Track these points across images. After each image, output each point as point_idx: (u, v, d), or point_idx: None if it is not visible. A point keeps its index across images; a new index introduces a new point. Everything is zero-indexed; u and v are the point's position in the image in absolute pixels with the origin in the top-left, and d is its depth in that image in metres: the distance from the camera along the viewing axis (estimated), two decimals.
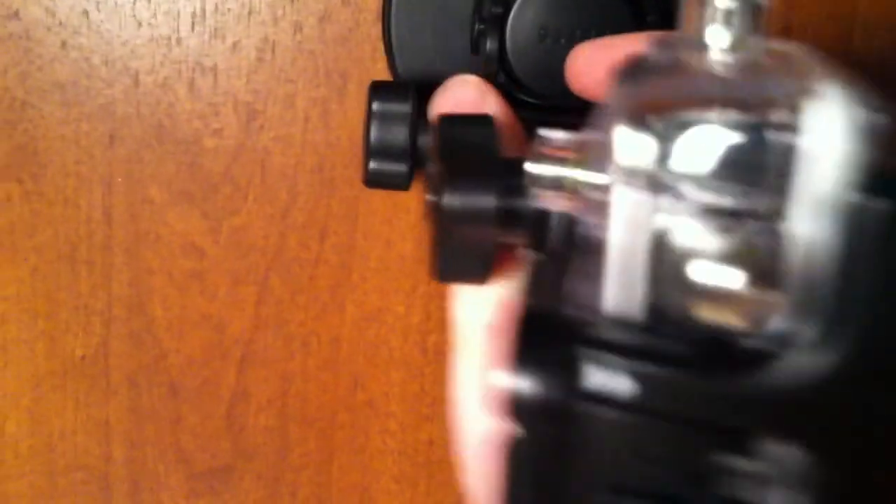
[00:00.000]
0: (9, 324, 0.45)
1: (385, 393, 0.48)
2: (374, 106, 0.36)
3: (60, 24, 0.41)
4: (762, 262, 0.16)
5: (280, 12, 0.42)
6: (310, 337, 0.47)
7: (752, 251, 0.16)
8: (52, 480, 0.48)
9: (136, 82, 0.42)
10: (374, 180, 0.37)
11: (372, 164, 0.36)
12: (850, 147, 0.16)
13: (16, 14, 0.41)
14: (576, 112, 0.37)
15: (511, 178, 0.25)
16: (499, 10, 0.39)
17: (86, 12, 0.41)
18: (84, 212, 0.44)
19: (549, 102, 0.39)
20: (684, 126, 0.17)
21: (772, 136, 0.16)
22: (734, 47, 0.18)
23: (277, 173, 0.44)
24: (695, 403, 0.17)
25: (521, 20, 0.39)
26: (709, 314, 0.17)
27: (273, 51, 0.43)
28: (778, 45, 0.20)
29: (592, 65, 0.33)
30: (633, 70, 0.19)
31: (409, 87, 0.37)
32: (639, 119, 0.17)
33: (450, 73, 0.41)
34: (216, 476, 0.48)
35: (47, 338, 0.45)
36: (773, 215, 0.16)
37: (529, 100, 0.39)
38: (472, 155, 0.26)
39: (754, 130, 0.16)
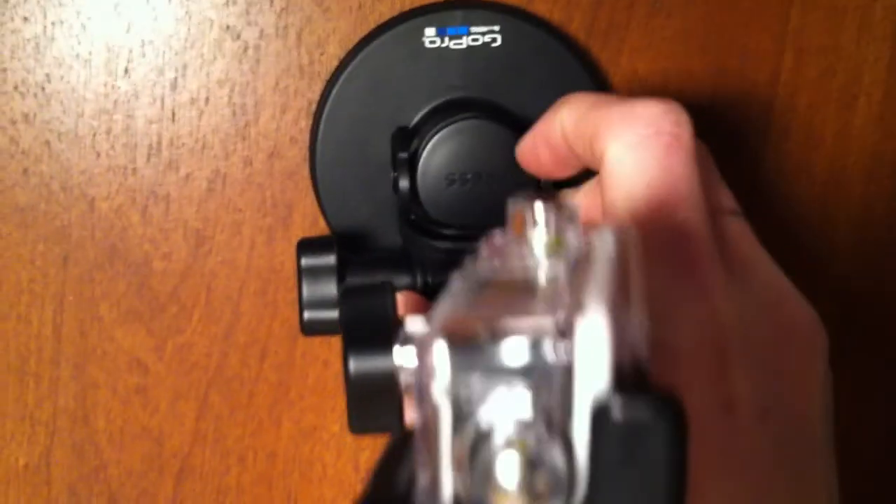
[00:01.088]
0: None
1: None
2: (302, 262, 0.40)
3: (23, 152, 0.44)
4: (548, 462, 0.19)
5: (231, 148, 0.45)
6: (246, 452, 0.49)
7: (540, 452, 0.19)
8: None
9: (92, 208, 0.45)
10: (309, 329, 0.40)
11: (306, 315, 0.40)
12: (608, 357, 0.19)
13: None
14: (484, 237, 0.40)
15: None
16: (404, 155, 0.43)
17: (48, 142, 0.44)
18: (35, 327, 0.46)
19: (459, 233, 0.42)
20: (485, 342, 0.19)
21: (552, 348, 0.19)
22: (551, 246, 0.22)
23: (222, 295, 0.47)
24: None
25: (429, 166, 0.43)
26: None
27: (224, 182, 0.46)
28: (594, 233, 0.23)
29: (528, 151, 0.37)
30: (460, 282, 0.22)
31: (332, 241, 0.41)
32: (446, 336, 0.20)
33: (373, 214, 0.45)
34: None
35: None
36: (564, 418, 0.19)
37: (443, 231, 0.43)
38: (369, 321, 0.29)
39: (539, 342, 0.19)
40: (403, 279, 0.43)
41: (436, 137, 0.43)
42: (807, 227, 0.50)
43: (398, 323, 0.30)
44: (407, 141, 0.43)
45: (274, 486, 0.50)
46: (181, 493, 0.49)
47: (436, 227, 0.43)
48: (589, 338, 0.19)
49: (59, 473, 0.48)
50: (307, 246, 0.42)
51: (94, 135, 0.44)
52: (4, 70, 0.43)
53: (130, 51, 0.44)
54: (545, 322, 0.19)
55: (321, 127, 0.44)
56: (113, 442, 0.48)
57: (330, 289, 0.41)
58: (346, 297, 0.36)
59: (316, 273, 0.41)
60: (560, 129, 0.34)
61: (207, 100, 0.45)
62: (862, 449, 0.53)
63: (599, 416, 0.19)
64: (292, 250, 0.47)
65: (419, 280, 0.43)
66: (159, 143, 0.45)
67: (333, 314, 0.40)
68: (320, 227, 0.46)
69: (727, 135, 0.48)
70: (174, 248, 0.46)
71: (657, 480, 0.18)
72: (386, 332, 0.30)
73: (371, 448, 0.50)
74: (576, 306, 0.19)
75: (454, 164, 0.43)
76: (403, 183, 0.43)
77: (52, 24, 0.43)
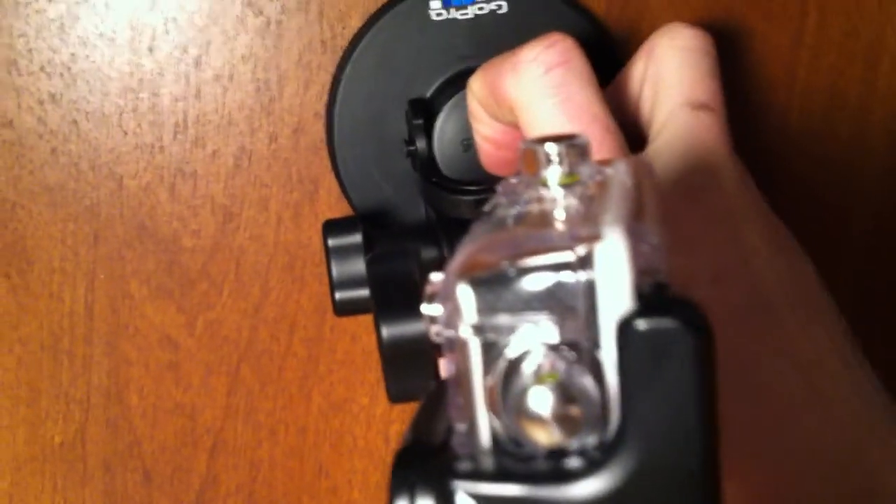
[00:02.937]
0: None
1: (348, 480, 0.51)
2: (329, 242, 0.40)
3: (51, 132, 0.44)
4: (579, 387, 0.19)
5: (257, 124, 0.46)
6: (278, 426, 0.50)
7: (572, 378, 0.19)
8: None
9: (121, 186, 0.45)
10: (342, 310, 0.40)
11: (337, 296, 0.40)
12: (628, 278, 0.19)
13: (10, 123, 0.44)
14: None
15: None
16: (419, 120, 0.43)
17: (75, 122, 0.44)
18: (67, 306, 0.47)
19: (485, 188, 0.42)
20: (507, 275, 0.20)
21: (573, 276, 0.19)
22: (565, 181, 0.22)
23: (251, 271, 0.47)
24: None
25: (444, 134, 0.43)
26: (538, 436, 0.20)
27: (250, 158, 0.46)
28: (607, 166, 0.23)
29: (490, 158, 0.38)
30: (479, 227, 0.22)
31: (356, 219, 0.41)
32: (468, 276, 0.20)
33: (395, 191, 0.45)
34: None
35: (28, 424, 0.48)
36: (591, 344, 0.20)
37: (468, 187, 0.43)
38: (397, 287, 0.29)
39: (561, 272, 0.19)
40: (430, 251, 0.43)
41: (449, 106, 0.43)
42: (831, 186, 0.50)
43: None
44: (421, 112, 0.44)
45: (305, 459, 0.50)
46: (214, 467, 0.50)
47: (458, 185, 0.43)
48: (608, 260, 0.19)
49: (94, 450, 0.49)
50: (333, 226, 0.42)
51: (121, 113, 0.45)
52: (30, 50, 0.43)
53: (154, 28, 0.44)
54: (564, 251, 0.20)
55: (336, 107, 0.45)
56: (146, 418, 0.48)
57: (359, 267, 0.42)
58: (372, 266, 0.37)
59: (343, 252, 0.42)
60: (478, 111, 0.36)
61: (231, 76, 0.45)
62: None
63: (625, 331, 0.19)
64: (319, 225, 0.47)
65: (446, 250, 0.43)
66: (185, 120, 0.45)
67: (365, 293, 0.41)
68: (345, 202, 0.47)
69: (752, 97, 0.48)
70: (202, 224, 0.46)
71: (688, 389, 0.19)
72: (414, 296, 0.30)
73: (400, 420, 0.50)
74: (593, 232, 0.20)
75: (469, 130, 0.43)
76: (421, 145, 0.43)
77: (76, 3, 0.43)
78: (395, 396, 0.31)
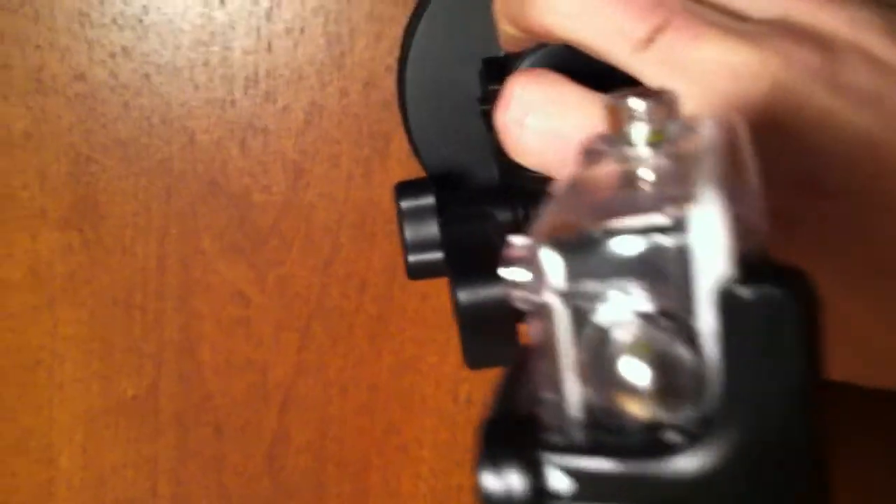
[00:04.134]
0: (66, 363, 0.48)
1: (418, 439, 0.50)
2: (402, 205, 0.39)
3: (123, 85, 0.44)
4: (675, 358, 0.18)
5: (327, 78, 0.45)
6: (348, 383, 0.49)
7: (667, 348, 0.18)
8: None
9: (192, 141, 0.45)
10: (415, 272, 0.40)
11: (411, 259, 0.39)
12: (726, 243, 0.18)
13: (82, 76, 0.44)
14: None
15: None
16: (495, 87, 0.41)
17: (147, 75, 0.44)
18: (140, 260, 0.47)
19: None
20: (595, 239, 0.19)
21: (666, 239, 0.18)
22: (652, 139, 0.21)
23: (321, 228, 0.47)
24: (624, 495, 0.19)
25: None
26: (633, 409, 0.19)
27: (320, 114, 0.45)
28: (696, 123, 0.22)
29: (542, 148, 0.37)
30: (561, 189, 0.21)
31: (429, 182, 0.40)
32: (553, 240, 0.19)
33: (467, 152, 0.44)
34: None
35: (101, 378, 0.48)
36: (687, 313, 0.18)
37: None
38: (473, 251, 0.28)
39: (652, 235, 0.18)
40: (503, 213, 0.42)
41: (525, 64, 0.42)
42: None
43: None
44: (496, 72, 0.42)
45: (375, 417, 0.50)
46: (285, 422, 0.50)
47: None
48: (704, 223, 0.18)
49: (167, 404, 0.49)
50: (405, 188, 0.41)
51: (192, 67, 0.44)
52: (102, 3, 0.43)
53: None
54: (656, 213, 0.19)
55: (408, 62, 0.44)
56: (218, 373, 0.49)
57: (432, 229, 0.41)
58: (447, 228, 0.36)
59: (416, 215, 0.41)
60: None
61: (303, 29, 0.44)
62: None
63: (726, 299, 0.18)
64: (390, 182, 0.46)
65: (520, 213, 0.42)
66: (256, 74, 0.45)
67: (438, 255, 0.40)
68: (416, 159, 0.46)
69: None
70: (273, 180, 0.46)
71: (796, 360, 0.18)
72: (491, 260, 0.29)
73: (470, 380, 0.50)
74: (687, 193, 0.18)
75: None
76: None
77: None
78: (474, 362, 0.31)
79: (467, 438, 0.50)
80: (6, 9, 0.43)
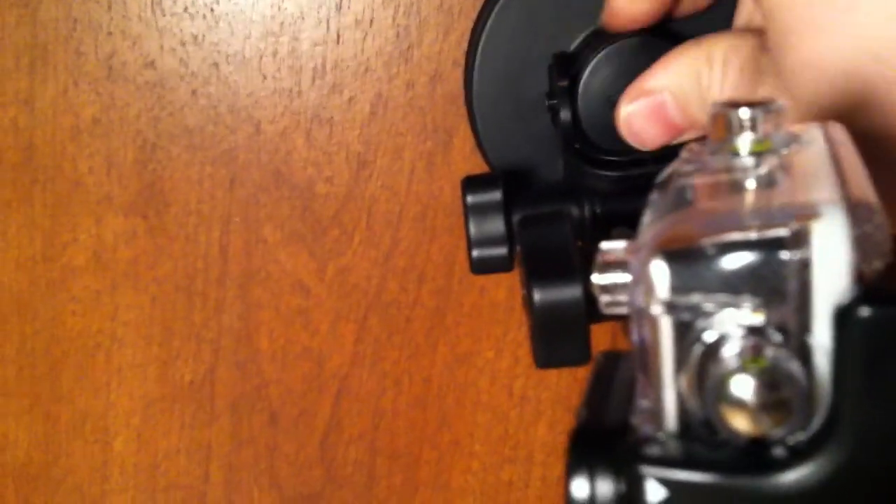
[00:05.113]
0: (126, 347, 0.48)
1: (470, 433, 0.50)
2: (469, 199, 0.39)
3: (192, 74, 0.44)
4: (788, 374, 0.18)
5: (394, 71, 0.45)
6: (402, 375, 0.50)
7: (777, 363, 0.18)
8: (152, 497, 0.51)
9: (258, 130, 0.45)
10: (479, 267, 0.40)
11: (475, 253, 0.39)
12: (849, 260, 0.18)
13: (152, 63, 0.44)
14: (652, 162, 0.39)
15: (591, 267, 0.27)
16: (565, 82, 0.41)
17: (216, 64, 0.44)
18: (202, 248, 0.47)
19: (627, 158, 0.41)
20: (708, 253, 0.19)
21: (786, 255, 0.18)
22: (758, 149, 0.21)
23: (382, 220, 0.47)
24: None
25: (589, 90, 0.42)
26: (740, 424, 0.19)
27: (385, 106, 0.45)
28: (801, 132, 0.22)
29: (634, 120, 0.36)
30: (663, 196, 0.21)
31: (497, 177, 0.40)
32: (665, 251, 0.19)
33: (533, 149, 0.44)
34: (306, 502, 0.51)
35: (160, 363, 0.49)
36: (801, 329, 0.18)
37: (609, 158, 0.41)
38: (550, 251, 0.28)
39: (771, 250, 0.18)
40: (571, 211, 0.42)
41: (596, 59, 0.42)
42: None
43: (579, 250, 0.30)
44: (566, 68, 0.42)
45: (428, 410, 0.50)
46: (339, 412, 0.50)
47: (601, 156, 0.42)
48: (828, 239, 0.18)
49: (223, 390, 0.49)
50: (473, 183, 0.41)
51: (261, 57, 0.44)
52: None
53: None
54: (777, 228, 0.18)
55: (476, 57, 0.43)
56: (275, 361, 0.49)
57: (497, 225, 0.41)
58: (523, 229, 0.36)
59: (482, 210, 0.41)
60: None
61: (372, 21, 0.44)
62: None
63: (845, 318, 0.18)
64: (452, 176, 0.46)
65: (587, 211, 0.42)
66: (324, 65, 0.45)
67: (503, 251, 0.40)
68: (478, 154, 0.46)
69: None
70: (336, 171, 0.46)
71: None
72: (568, 261, 0.29)
73: (525, 376, 0.50)
74: (810, 208, 0.18)
75: (617, 85, 0.42)
76: (564, 113, 0.42)
77: None
78: (544, 362, 0.31)
79: (520, 435, 0.50)
80: None
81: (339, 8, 0.44)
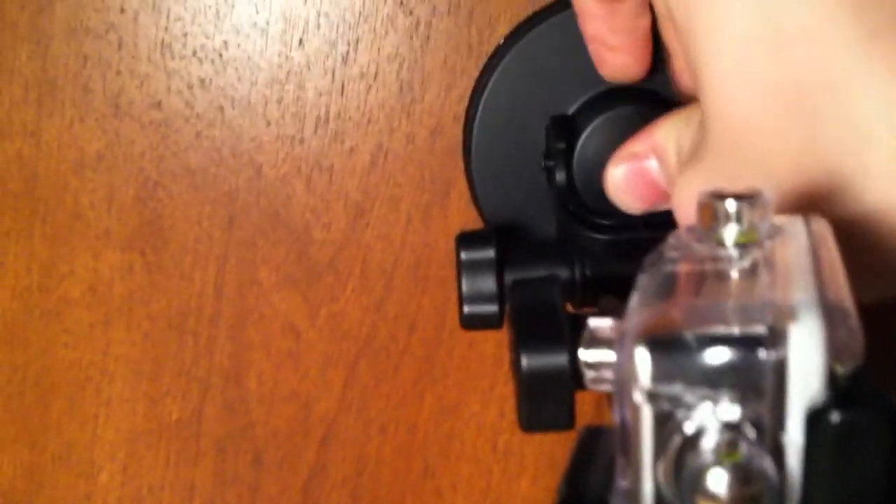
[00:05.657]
0: (116, 382, 0.49)
1: (453, 485, 0.51)
2: (462, 256, 0.40)
3: (198, 116, 0.45)
4: (761, 471, 0.19)
5: (396, 123, 0.46)
6: (389, 423, 0.50)
7: (750, 459, 0.19)
8: None
9: (259, 174, 0.46)
10: (469, 323, 0.40)
11: (466, 309, 0.40)
12: (823, 362, 0.18)
13: (158, 104, 0.45)
14: (644, 227, 0.40)
15: (580, 333, 0.28)
16: (562, 145, 0.42)
17: (221, 108, 0.45)
18: (197, 286, 0.47)
19: (618, 222, 0.42)
20: (691, 345, 0.19)
21: (763, 353, 0.19)
22: (743, 240, 0.21)
23: (377, 268, 0.48)
24: None
25: (585, 154, 0.42)
26: None
27: (386, 157, 0.46)
28: (785, 224, 0.22)
29: (620, 182, 0.37)
30: (651, 279, 0.21)
31: (491, 234, 0.41)
32: (649, 340, 0.19)
33: (528, 207, 0.45)
34: None
35: (148, 399, 0.49)
36: (775, 426, 0.19)
37: (601, 221, 0.42)
38: (539, 316, 0.29)
39: (749, 347, 0.19)
40: (562, 272, 0.42)
41: (593, 126, 0.43)
42: None
43: (568, 317, 0.30)
44: (563, 130, 0.43)
45: (413, 459, 0.50)
46: (323, 457, 0.50)
47: (594, 218, 0.42)
48: (803, 341, 0.18)
49: (209, 429, 0.50)
50: (467, 239, 0.42)
51: (266, 103, 0.45)
52: (185, 35, 0.44)
53: (307, 22, 0.44)
54: (757, 327, 0.19)
55: (477, 113, 0.44)
56: (263, 403, 0.49)
57: (489, 283, 0.41)
58: (513, 292, 0.36)
59: (475, 267, 0.41)
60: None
61: (376, 75, 0.45)
62: None
63: (816, 420, 0.18)
64: (447, 229, 0.47)
65: (577, 272, 0.42)
66: (327, 114, 0.45)
67: (493, 308, 0.40)
68: (475, 208, 0.46)
69: None
70: (334, 218, 0.47)
71: (878, 486, 0.18)
72: (557, 328, 0.30)
73: (510, 430, 0.50)
74: (788, 309, 0.19)
75: (612, 150, 0.43)
76: (560, 174, 0.42)
77: None
78: (528, 426, 0.31)
79: (502, 488, 0.50)
80: (93, 33, 0.44)
81: (345, 60, 0.45)
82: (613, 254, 0.42)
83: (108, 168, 0.46)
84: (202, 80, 0.45)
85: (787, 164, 0.27)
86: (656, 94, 0.43)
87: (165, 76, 0.45)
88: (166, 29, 0.44)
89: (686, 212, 0.30)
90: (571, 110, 0.44)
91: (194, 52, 0.44)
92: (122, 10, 0.44)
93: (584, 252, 0.42)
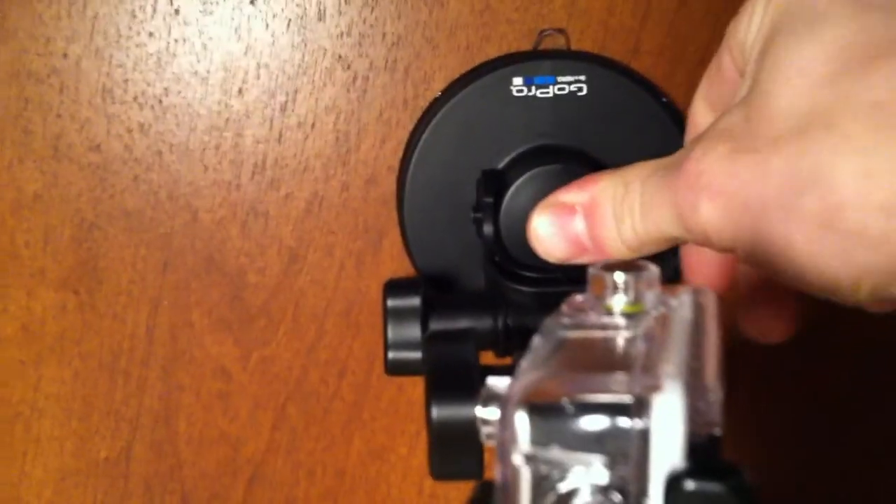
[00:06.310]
0: (45, 419, 0.49)
1: None
2: (389, 303, 0.41)
3: (136, 160, 0.46)
4: None
5: (331, 172, 0.47)
6: (316, 466, 0.51)
7: None
8: None
9: (195, 218, 0.47)
10: (393, 369, 0.41)
11: (390, 356, 0.41)
12: (682, 432, 0.20)
13: (97, 147, 0.46)
14: (566, 282, 0.41)
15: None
16: (490, 198, 0.44)
17: (160, 153, 0.46)
18: (129, 327, 0.48)
19: (542, 276, 0.43)
20: (567, 411, 0.20)
21: (627, 422, 0.20)
22: (630, 311, 0.23)
23: (309, 313, 0.49)
24: None
25: (513, 207, 0.44)
26: None
27: (321, 204, 0.47)
28: (673, 296, 0.24)
29: (541, 231, 0.38)
30: (543, 343, 0.23)
31: (418, 283, 0.42)
32: (529, 405, 0.20)
33: (458, 257, 0.46)
34: None
35: (77, 437, 0.49)
36: (639, 492, 0.20)
37: (525, 274, 0.43)
38: (453, 370, 0.30)
39: (617, 415, 0.20)
40: (485, 322, 0.44)
41: (521, 181, 0.44)
42: None
43: (481, 371, 0.31)
44: (493, 184, 0.45)
45: (339, 502, 0.51)
46: (251, 499, 0.51)
47: (519, 271, 0.44)
48: (664, 413, 0.20)
49: (137, 469, 0.50)
50: (394, 287, 0.43)
51: (204, 149, 0.46)
52: (126, 81, 0.45)
53: (246, 72, 0.45)
54: (624, 397, 0.20)
55: (410, 165, 0.46)
56: (191, 444, 0.50)
57: (414, 331, 0.42)
58: (430, 344, 0.38)
59: (401, 314, 0.42)
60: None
61: (314, 125, 0.46)
62: None
63: (673, 488, 0.20)
64: (379, 275, 0.48)
65: (500, 323, 0.44)
66: (264, 162, 0.47)
67: (417, 355, 0.41)
68: (407, 257, 0.48)
69: None
70: (268, 263, 0.48)
71: None
72: (469, 382, 0.31)
73: None
74: (653, 381, 0.20)
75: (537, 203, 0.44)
76: (487, 226, 0.44)
77: (175, 41, 0.45)
78: (437, 474, 0.32)
79: None
80: (34, 77, 0.45)
81: (283, 109, 0.46)
82: (537, 306, 0.43)
83: (44, 209, 0.46)
84: (141, 125, 0.46)
85: None
86: (584, 153, 0.45)
87: (105, 120, 0.45)
88: (108, 74, 0.45)
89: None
90: (501, 165, 0.46)
91: (135, 98, 0.45)
92: (65, 56, 0.45)
93: (509, 303, 0.44)
